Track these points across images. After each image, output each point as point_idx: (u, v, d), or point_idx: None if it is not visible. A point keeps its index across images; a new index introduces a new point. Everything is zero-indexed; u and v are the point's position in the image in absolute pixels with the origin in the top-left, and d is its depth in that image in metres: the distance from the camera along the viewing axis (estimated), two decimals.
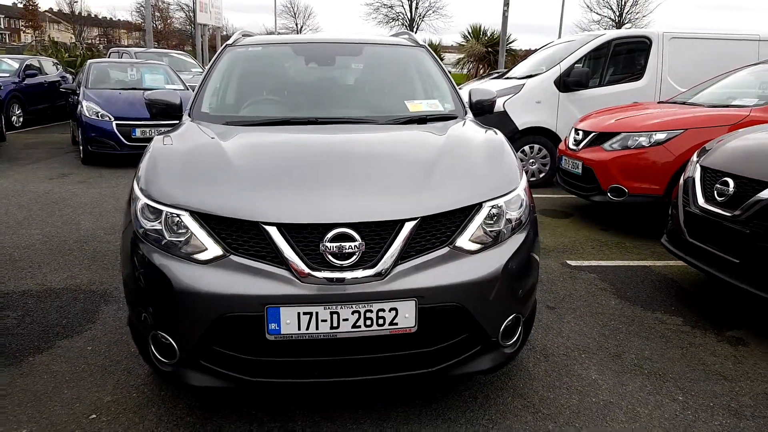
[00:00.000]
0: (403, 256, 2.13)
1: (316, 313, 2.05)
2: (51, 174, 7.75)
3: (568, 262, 4.58)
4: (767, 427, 2.45)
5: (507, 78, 8.39)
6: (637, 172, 5.11)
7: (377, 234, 2.12)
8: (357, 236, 2.08)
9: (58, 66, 15.18)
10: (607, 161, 5.27)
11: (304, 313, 2.04)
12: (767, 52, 7.20)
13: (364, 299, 2.06)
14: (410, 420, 2.44)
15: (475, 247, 2.24)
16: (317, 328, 2.06)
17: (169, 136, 2.88)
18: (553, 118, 7.43)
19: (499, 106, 7.02)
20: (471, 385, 2.70)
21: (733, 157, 3.55)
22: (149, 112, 3.31)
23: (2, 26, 69.77)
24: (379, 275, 2.09)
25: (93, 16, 57.80)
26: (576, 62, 7.47)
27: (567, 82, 7.38)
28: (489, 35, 24.04)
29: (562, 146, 6.21)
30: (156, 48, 21.82)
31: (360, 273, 2.08)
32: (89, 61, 10.78)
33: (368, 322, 2.07)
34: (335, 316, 2.06)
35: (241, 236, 2.13)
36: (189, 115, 3.19)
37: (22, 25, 61.21)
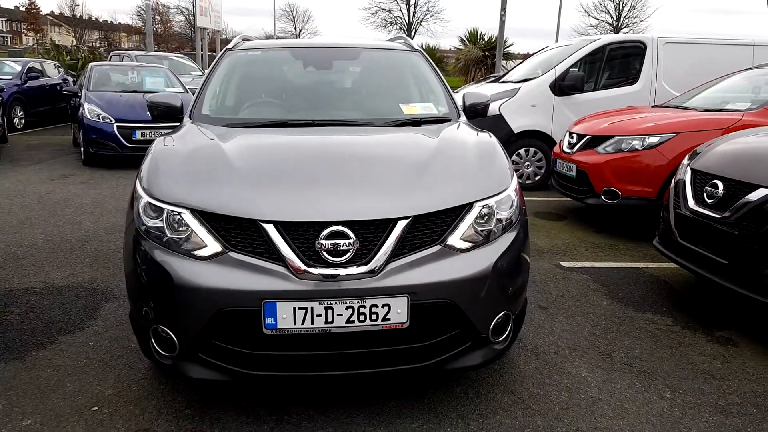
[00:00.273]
0: (395, 253, 2.19)
1: (312, 308, 2.11)
2: (53, 175, 7.82)
3: (562, 263, 4.64)
4: (753, 424, 2.50)
5: (503, 81, 8.44)
6: (631, 175, 5.17)
7: (371, 232, 2.19)
8: (351, 234, 2.15)
9: (60, 69, 15.25)
10: (600, 164, 5.33)
11: (300, 308, 2.10)
12: (762, 57, 7.24)
13: (358, 295, 2.13)
14: (402, 414, 2.50)
15: (466, 245, 2.30)
16: (312, 323, 2.12)
17: (171, 137, 2.95)
18: (548, 122, 7.48)
19: (494, 109, 7.06)
20: (462, 381, 2.76)
21: (723, 160, 3.60)
22: (151, 113, 3.40)
23: (4, 29, 69.92)
24: (373, 272, 2.15)
25: (94, 19, 57.96)
26: (571, 66, 7.51)
27: (562, 86, 7.43)
28: (486, 39, 24.09)
29: (556, 149, 6.25)
30: (156, 51, 21.97)
31: (354, 270, 2.15)
32: (91, 64, 10.86)
33: (362, 318, 2.14)
34: (330, 311, 2.12)
35: (239, 233, 2.20)
36: (190, 117, 3.26)
37: (23, 28, 61.43)
